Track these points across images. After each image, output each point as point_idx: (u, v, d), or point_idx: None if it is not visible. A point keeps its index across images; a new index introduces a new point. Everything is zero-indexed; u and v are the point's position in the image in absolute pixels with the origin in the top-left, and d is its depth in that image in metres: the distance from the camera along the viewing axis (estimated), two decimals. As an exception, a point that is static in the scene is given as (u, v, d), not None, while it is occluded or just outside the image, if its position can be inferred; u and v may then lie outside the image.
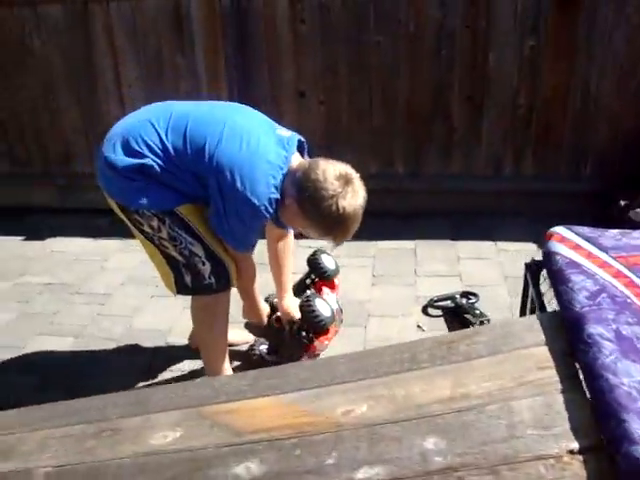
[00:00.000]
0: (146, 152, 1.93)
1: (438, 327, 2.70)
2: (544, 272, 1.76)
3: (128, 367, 2.56)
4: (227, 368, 2.31)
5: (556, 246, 1.64)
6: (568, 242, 1.65)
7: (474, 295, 2.84)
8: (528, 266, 1.82)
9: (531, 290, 1.81)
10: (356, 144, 3.53)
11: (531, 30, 3.22)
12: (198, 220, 2.03)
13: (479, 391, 1.28)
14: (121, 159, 1.95)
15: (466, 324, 2.67)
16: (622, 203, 3.28)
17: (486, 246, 3.35)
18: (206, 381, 1.58)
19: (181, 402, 1.47)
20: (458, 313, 2.74)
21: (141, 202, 1.96)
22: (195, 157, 1.91)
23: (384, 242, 3.42)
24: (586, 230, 1.73)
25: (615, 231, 1.77)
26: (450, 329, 2.67)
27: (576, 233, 1.70)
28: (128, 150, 1.95)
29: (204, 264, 2.05)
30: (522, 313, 1.87)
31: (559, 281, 1.50)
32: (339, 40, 3.34)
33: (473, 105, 3.40)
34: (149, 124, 1.97)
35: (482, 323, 2.58)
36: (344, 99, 3.51)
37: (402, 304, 2.86)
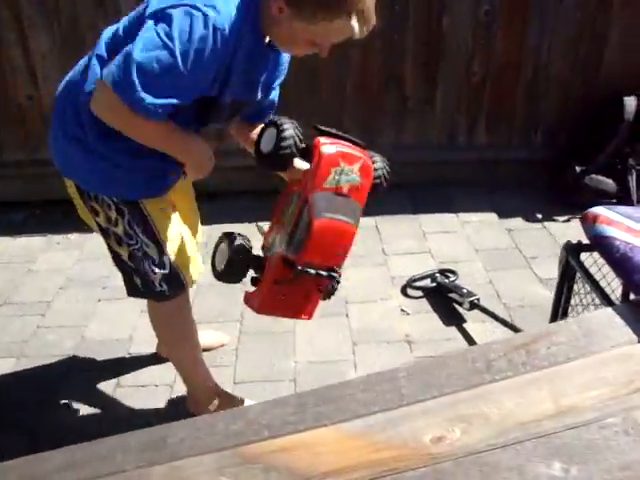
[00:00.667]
0: None
1: (423, 309, 2.58)
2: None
3: (90, 388, 2.21)
4: (206, 374, 2.06)
5: (607, 229, 1.52)
6: (618, 224, 1.53)
7: (452, 272, 2.75)
8: (570, 250, 1.67)
9: (579, 280, 1.66)
10: (304, 115, 3.28)
11: (486, -7, 3.11)
12: (160, 222, 1.75)
13: (588, 402, 1.14)
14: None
15: (451, 304, 2.57)
16: (577, 169, 3.29)
17: (448, 218, 3.27)
18: (234, 413, 1.31)
19: (211, 442, 1.16)
20: (442, 292, 2.63)
21: (104, 187, 1.68)
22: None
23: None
24: (627, 209, 1.63)
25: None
26: (436, 310, 2.57)
27: (619, 213, 1.59)
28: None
29: (155, 272, 1.76)
30: (558, 304, 1.74)
31: (630, 270, 1.39)
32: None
33: (428, 72, 3.26)
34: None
35: (473, 303, 2.48)
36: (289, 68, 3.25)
37: (378, 287, 2.72)
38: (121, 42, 1.48)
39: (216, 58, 1.43)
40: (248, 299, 1.65)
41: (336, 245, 1.53)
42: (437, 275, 2.70)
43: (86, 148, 1.62)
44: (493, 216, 3.29)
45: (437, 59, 3.24)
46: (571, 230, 3.17)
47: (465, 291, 2.54)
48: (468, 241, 3.07)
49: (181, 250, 1.81)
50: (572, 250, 1.62)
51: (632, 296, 1.57)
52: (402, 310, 2.57)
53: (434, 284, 2.66)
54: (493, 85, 3.33)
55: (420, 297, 2.65)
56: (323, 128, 1.57)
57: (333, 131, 1.56)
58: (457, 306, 2.56)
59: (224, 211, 3.09)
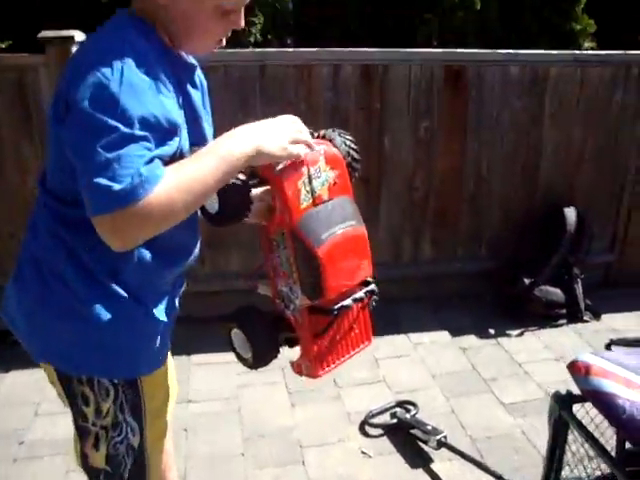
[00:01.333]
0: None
1: (385, 449, 2.34)
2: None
3: None
4: None
5: (605, 384, 1.35)
6: (614, 376, 1.37)
7: (412, 404, 2.53)
8: (562, 403, 1.47)
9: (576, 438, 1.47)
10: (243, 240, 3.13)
11: (425, 112, 3.11)
12: (152, 404, 1.33)
13: None
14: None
15: (415, 442, 2.34)
16: (526, 281, 3.22)
17: (400, 340, 3.09)
18: None
19: None
20: (403, 428, 2.40)
21: (108, 364, 1.24)
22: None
23: (287, 349, 3.01)
24: (617, 356, 1.48)
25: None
26: (399, 450, 2.33)
27: (610, 361, 1.44)
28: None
29: (127, 465, 1.33)
30: (552, 458, 1.53)
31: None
32: (221, 123, 2.95)
33: (369, 190, 3.18)
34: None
35: (440, 442, 2.26)
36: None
37: (334, 425, 2.46)
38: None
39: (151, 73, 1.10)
40: (298, 369, 1.33)
41: (354, 258, 1.28)
42: (397, 410, 2.49)
43: (85, 301, 1.18)
44: (445, 335, 3.15)
45: (379, 177, 3.17)
46: (525, 345, 3.07)
47: (430, 428, 2.32)
48: (423, 365, 2.89)
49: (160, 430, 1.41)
50: (564, 403, 1.44)
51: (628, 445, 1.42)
52: (363, 452, 2.31)
53: (394, 420, 2.44)
54: (436, 200, 3.29)
55: (380, 435, 2.41)
56: None
57: None
58: (422, 444, 2.33)
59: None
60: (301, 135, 1.19)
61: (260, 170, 1.19)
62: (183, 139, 1.15)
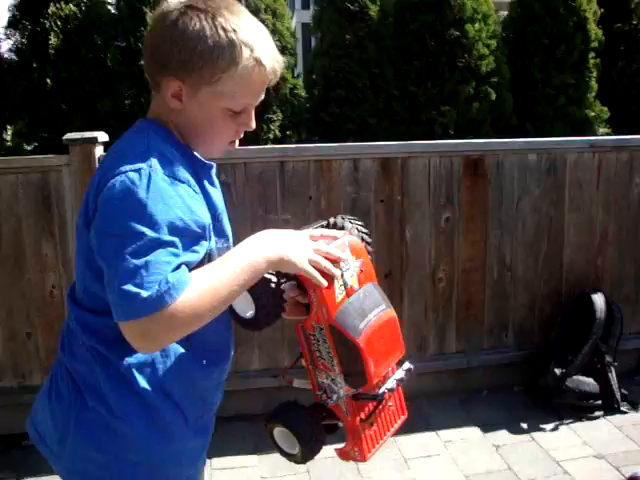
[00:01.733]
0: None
1: None
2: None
3: None
4: None
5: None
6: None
7: (450, 513, 2.39)
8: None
9: None
10: (264, 337, 3.06)
11: (445, 202, 3.10)
12: None
13: None
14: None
15: None
16: (558, 372, 3.10)
17: (429, 438, 2.95)
18: None
19: None
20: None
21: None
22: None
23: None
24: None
25: None
26: None
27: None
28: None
29: None
30: None
31: None
32: (243, 219, 2.95)
33: (392, 282, 3.13)
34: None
35: None
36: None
37: (369, 538, 2.32)
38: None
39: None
40: (345, 456, 1.33)
41: (389, 341, 1.31)
42: (435, 519, 2.34)
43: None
44: (476, 431, 3.01)
45: (401, 270, 3.12)
46: (561, 440, 2.93)
47: (472, 540, 2.17)
48: (455, 465, 2.74)
49: None
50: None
51: None
52: None
53: (433, 531, 2.29)
54: (459, 291, 3.23)
55: None
56: None
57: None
58: None
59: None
60: (320, 258, 1.20)
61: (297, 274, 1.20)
62: (211, 240, 1.16)
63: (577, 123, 3.64)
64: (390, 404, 1.35)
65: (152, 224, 1.02)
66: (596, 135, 3.84)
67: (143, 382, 1.14)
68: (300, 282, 1.22)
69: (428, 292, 3.19)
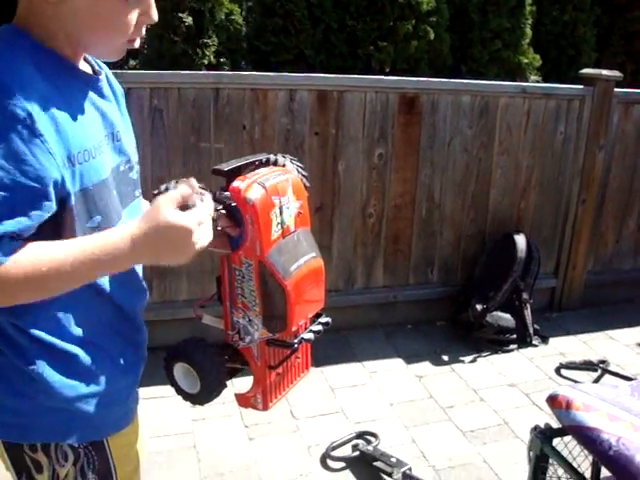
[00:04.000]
0: None
1: (348, 484, 2.28)
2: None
3: None
4: None
5: (589, 418, 1.34)
6: (597, 410, 1.36)
7: (373, 435, 2.49)
8: (543, 438, 1.46)
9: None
10: (192, 267, 3.03)
11: (379, 138, 3.11)
12: (124, 469, 1.17)
13: None
14: None
15: (380, 474, 2.29)
16: (479, 308, 3.24)
17: (355, 369, 3.04)
18: None
19: None
20: (366, 461, 2.35)
21: (67, 428, 1.07)
22: None
23: (240, 379, 2.90)
24: (595, 389, 1.48)
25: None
26: (363, 485, 2.27)
27: (589, 394, 1.43)
28: None
29: None
30: None
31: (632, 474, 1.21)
32: (175, 147, 2.86)
33: (323, 215, 3.14)
34: None
35: (405, 474, 2.22)
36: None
37: (295, 460, 2.38)
38: None
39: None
40: (246, 401, 1.27)
41: (314, 290, 1.24)
42: (358, 441, 2.43)
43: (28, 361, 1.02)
44: (399, 362, 3.12)
45: (333, 203, 3.14)
46: (478, 371, 3.08)
47: (394, 460, 2.28)
48: (380, 394, 2.85)
49: None
50: (545, 437, 1.43)
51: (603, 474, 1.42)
52: (326, 487, 2.25)
53: (356, 452, 2.38)
54: (388, 226, 3.28)
55: (343, 469, 2.35)
56: (224, 167, 1.18)
57: (234, 164, 1.20)
58: (385, 476, 2.28)
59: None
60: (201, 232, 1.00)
61: (232, 197, 1.13)
62: (93, 171, 1.00)
63: (510, 68, 3.71)
64: (298, 357, 1.32)
65: None
66: (527, 82, 3.92)
67: (49, 331, 1.02)
68: (233, 212, 1.14)
69: (358, 226, 3.22)
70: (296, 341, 1.21)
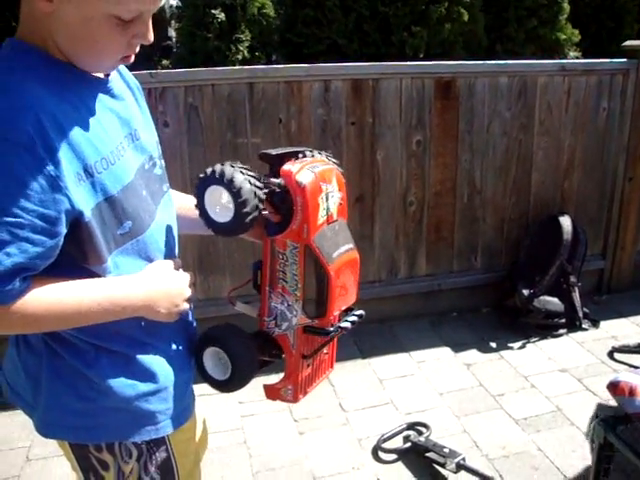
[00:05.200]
0: None
1: (401, 476, 2.25)
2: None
3: None
4: None
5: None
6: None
7: (424, 426, 2.46)
8: (607, 427, 1.41)
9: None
10: (236, 263, 3.03)
11: (417, 125, 3.07)
12: (185, 466, 1.21)
13: None
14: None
15: (432, 465, 2.27)
16: (525, 293, 3.18)
17: (402, 360, 3.01)
18: None
19: None
20: (418, 452, 2.32)
21: (130, 427, 1.11)
22: None
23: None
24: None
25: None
26: (416, 475, 2.24)
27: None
28: None
29: None
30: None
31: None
32: (212, 144, 2.86)
33: (363, 205, 3.12)
34: None
35: (459, 465, 2.19)
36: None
37: (346, 453, 2.37)
38: None
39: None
40: (274, 393, 1.26)
41: (350, 281, 1.23)
42: (409, 433, 2.41)
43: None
44: (447, 351, 3.08)
45: (373, 193, 3.11)
46: (528, 357, 3.02)
47: (447, 450, 2.25)
48: (429, 384, 2.81)
49: None
50: (608, 426, 1.38)
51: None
52: (379, 481, 2.23)
53: (408, 444, 2.36)
54: (430, 214, 3.24)
55: (395, 460, 2.33)
56: (272, 152, 1.18)
57: (281, 151, 1.20)
58: (439, 467, 2.25)
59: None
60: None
61: (286, 180, 1.12)
62: (116, 177, 0.99)
63: (548, 46, 3.61)
64: (325, 351, 1.30)
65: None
66: (566, 58, 3.82)
67: (105, 336, 1.06)
68: (277, 198, 1.12)
69: (399, 215, 3.19)
70: (333, 329, 1.20)
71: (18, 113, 0.88)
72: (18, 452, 2.40)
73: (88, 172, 0.95)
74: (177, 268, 1.13)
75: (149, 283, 1.06)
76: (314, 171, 1.14)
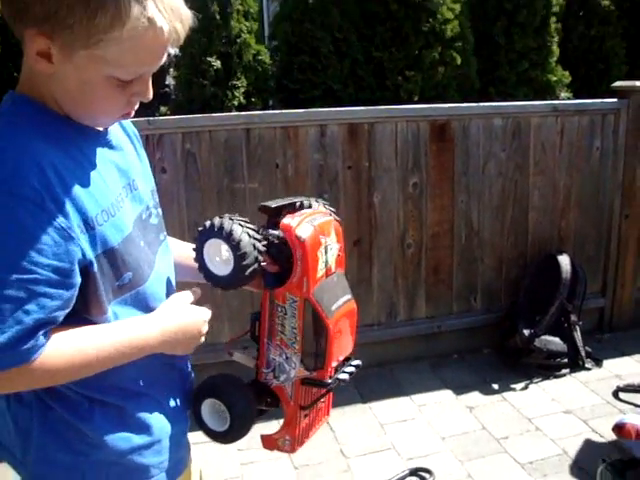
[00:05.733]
0: None
1: (406, 526, 2.20)
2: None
3: None
4: None
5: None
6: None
7: (427, 472, 2.42)
8: (615, 472, 1.39)
9: None
10: (234, 309, 3.01)
11: (413, 167, 3.09)
12: None
13: None
14: None
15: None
16: (526, 333, 3.15)
17: (403, 403, 2.97)
18: None
19: None
20: (422, 501, 2.28)
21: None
22: None
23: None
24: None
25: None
26: (421, 526, 2.20)
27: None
28: None
29: None
30: None
31: None
32: (209, 189, 2.88)
33: (361, 248, 3.12)
34: None
35: (464, 513, 2.14)
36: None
37: (348, 501, 2.33)
38: None
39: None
40: (271, 443, 1.23)
41: (347, 332, 1.22)
42: (413, 479, 2.36)
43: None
44: (448, 394, 3.04)
45: (370, 236, 3.11)
46: (531, 398, 2.98)
47: (452, 498, 2.20)
48: (431, 428, 2.77)
49: None
50: (616, 471, 1.36)
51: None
52: (383, 530, 2.18)
53: (412, 491, 2.31)
54: (428, 256, 3.24)
55: (399, 509, 2.28)
56: (272, 204, 1.17)
57: (280, 202, 1.20)
58: (444, 516, 2.20)
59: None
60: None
61: (286, 233, 1.12)
62: (116, 229, 0.99)
63: (540, 87, 3.67)
64: (322, 400, 1.28)
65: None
66: (558, 99, 3.88)
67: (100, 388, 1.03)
68: (275, 249, 1.13)
69: (397, 258, 3.19)
70: (331, 381, 1.18)
71: (23, 167, 0.88)
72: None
73: (89, 225, 0.94)
74: (196, 298, 1.14)
75: (165, 321, 1.06)
76: (313, 224, 1.15)
